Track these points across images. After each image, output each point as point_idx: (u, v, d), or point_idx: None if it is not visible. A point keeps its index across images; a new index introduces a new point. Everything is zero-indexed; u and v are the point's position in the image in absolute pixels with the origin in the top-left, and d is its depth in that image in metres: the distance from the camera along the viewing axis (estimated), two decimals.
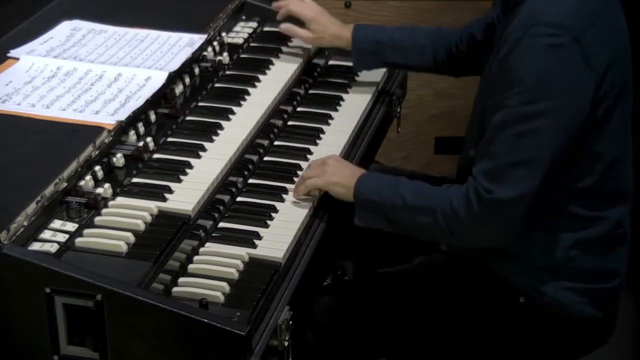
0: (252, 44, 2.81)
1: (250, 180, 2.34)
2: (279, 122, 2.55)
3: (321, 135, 2.52)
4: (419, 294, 2.39)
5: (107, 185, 2.13)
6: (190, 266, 2.05)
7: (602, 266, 2.28)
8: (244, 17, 2.91)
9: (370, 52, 2.65)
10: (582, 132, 2.13)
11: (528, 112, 2.07)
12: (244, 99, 2.53)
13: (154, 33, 2.64)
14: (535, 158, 2.10)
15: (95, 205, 2.08)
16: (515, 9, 2.16)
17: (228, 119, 2.45)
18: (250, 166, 2.38)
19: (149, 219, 2.07)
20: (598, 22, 2.10)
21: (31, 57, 2.47)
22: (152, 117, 2.39)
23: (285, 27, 2.73)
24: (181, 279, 2.02)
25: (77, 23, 2.66)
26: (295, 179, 2.34)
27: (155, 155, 2.29)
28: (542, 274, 2.26)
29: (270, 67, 2.70)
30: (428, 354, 2.44)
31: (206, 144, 2.34)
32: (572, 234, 2.23)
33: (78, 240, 1.99)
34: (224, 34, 2.79)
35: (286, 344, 1.94)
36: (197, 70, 2.61)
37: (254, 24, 2.89)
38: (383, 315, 2.41)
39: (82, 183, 2.12)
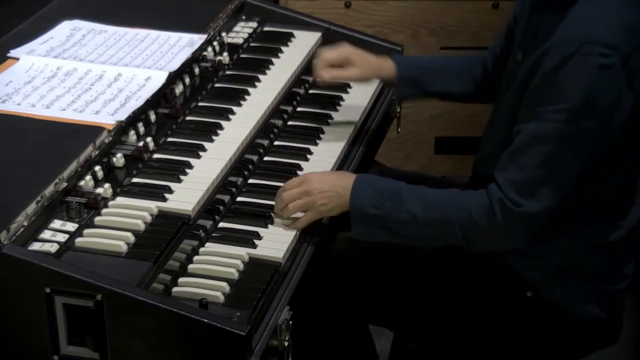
0: (252, 44, 2.81)
1: (250, 180, 2.34)
2: (279, 122, 2.55)
3: (321, 135, 2.52)
4: (426, 282, 2.39)
5: (107, 185, 2.14)
6: (190, 266, 2.05)
7: (613, 269, 2.28)
8: (244, 17, 2.91)
9: (414, 79, 2.56)
10: (613, 146, 2.13)
11: (569, 131, 2.06)
12: (244, 99, 2.53)
13: (154, 33, 2.64)
14: (567, 174, 2.10)
15: (95, 205, 2.08)
16: (558, 11, 2.12)
17: (228, 119, 2.45)
18: (250, 166, 2.38)
19: (149, 219, 2.07)
20: None
21: (31, 57, 2.47)
22: (152, 117, 2.39)
23: (330, 75, 2.50)
24: (181, 279, 2.02)
25: (77, 23, 2.66)
26: (283, 185, 2.27)
27: (155, 155, 2.29)
28: (552, 272, 2.26)
29: (270, 67, 2.70)
30: (432, 344, 2.44)
31: (206, 144, 2.34)
32: (586, 239, 2.23)
33: (78, 240, 2.00)
34: (224, 34, 2.79)
35: (286, 344, 1.94)
36: (197, 70, 2.61)
37: (254, 24, 2.89)
38: (388, 304, 2.41)
39: (82, 183, 2.12)
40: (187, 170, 2.24)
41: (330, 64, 2.50)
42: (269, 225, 2.19)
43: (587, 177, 2.14)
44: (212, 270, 2.03)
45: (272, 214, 2.22)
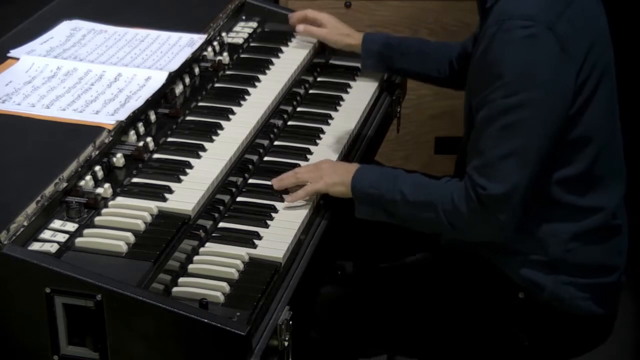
0: (252, 44, 2.81)
1: (250, 180, 2.34)
2: (279, 122, 2.55)
3: (321, 135, 2.52)
4: (418, 289, 2.40)
5: (107, 185, 2.14)
6: (190, 266, 2.05)
7: (601, 260, 2.29)
8: (244, 17, 2.91)
9: (378, 53, 2.68)
10: (568, 119, 2.14)
11: (510, 104, 2.09)
12: (244, 99, 2.53)
13: (154, 33, 2.64)
14: (523, 149, 2.11)
15: (95, 205, 2.09)
16: (489, 12, 2.18)
17: (228, 119, 2.45)
18: (250, 166, 2.38)
19: (149, 219, 2.07)
20: (569, 9, 2.12)
21: (31, 57, 2.47)
22: (152, 117, 2.39)
23: (302, 27, 2.77)
24: (181, 279, 2.02)
25: (77, 23, 2.66)
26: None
27: (155, 155, 2.29)
28: (542, 269, 2.26)
29: (270, 67, 2.70)
30: (427, 349, 2.44)
31: (206, 144, 2.34)
32: (569, 226, 2.24)
33: (78, 240, 2.00)
34: (224, 34, 2.79)
35: (286, 344, 1.94)
36: (197, 70, 2.61)
37: (254, 24, 2.89)
38: (382, 311, 2.41)
39: (82, 183, 2.12)
40: (187, 170, 2.24)
41: (306, 20, 2.78)
42: (269, 225, 2.19)
43: (554, 156, 2.15)
44: (212, 270, 2.03)
45: (272, 213, 2.22)
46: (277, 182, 2.29)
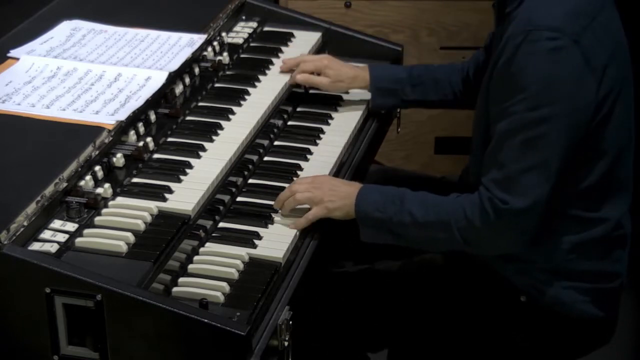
0: (252, 44, 2.81)
1: (250, 180, 2.34)
2: (279, 122, 2.55)
3: (321, 135, 2.52)
4: (420, 292, 2.39)
5: (107, 185, 2.14)
6: (190, 266, 2.06)
7: (603, 268, 2.28)
8: (244, 17, 2.91)
9: (389, 90, 2.62)
10: (587, 132, 2.13)
11: (533, 118, 2.07)
12: (244, 99, 2.53)
13: (154, 33, 2.64)
14: (544, 162, 2.09)
15: (95, 205, 2.09)
16: (508, 17, 2.16)
17: (228, 119, 2.45)
18: (250, 166, 2.38)
19: (149, 219, 2.07)
20: (594, 22, 2.10)
21: (31, 57, 2.47)
22: (152, 117, 2.39)
23: (302, 77, 2.63)
24: (181, 279, 2.02)
25: (77, 23, 2.66)
26: (295, 179, 2.32)
27: (155, 155, 2.29)
28: (543, 275, 2.26)
29: (270, 67, 2.70)
30: (428, 353, 2.44)
31: (206, 144, 2.34)
32: (573, 237, 2.23)
33: (78, 240, 2.00)
34: (224, 34, 2.79)
35: (286, 344, 1.94)
36: (197, 70, 2.61)
37: (254, 24, 2.89)
38: (383, 314, 2.41)
39: (82, 183, 2.12)
40: (187, 170, 2.24)
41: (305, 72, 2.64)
42: (269, 225, 2.19)
43: (566, 170, 2.14)
44: (212, 270, 2.03)
45: (272, 214, 2.22)
46: (277, 205, 2.24)
